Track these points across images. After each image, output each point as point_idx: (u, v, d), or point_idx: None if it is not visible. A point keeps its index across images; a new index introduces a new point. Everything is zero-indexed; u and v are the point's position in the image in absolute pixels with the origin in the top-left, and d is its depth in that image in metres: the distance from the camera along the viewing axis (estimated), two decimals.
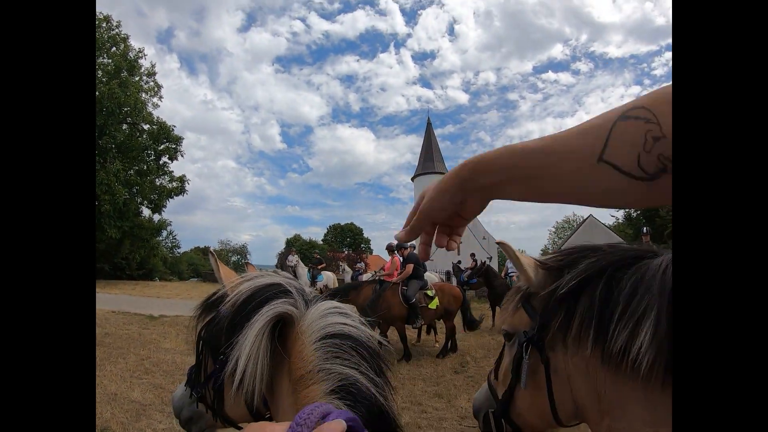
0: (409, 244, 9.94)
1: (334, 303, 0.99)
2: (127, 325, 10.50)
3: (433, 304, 8.60)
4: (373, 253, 59.18)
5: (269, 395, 0.96)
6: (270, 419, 1.02)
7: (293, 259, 16.89)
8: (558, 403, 1.02)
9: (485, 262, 15.35)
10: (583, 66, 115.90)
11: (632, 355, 0.85)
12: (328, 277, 17.59)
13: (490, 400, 1.24)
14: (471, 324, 9.21)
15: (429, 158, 51.46)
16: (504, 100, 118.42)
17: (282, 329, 0.92)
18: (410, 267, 8.90)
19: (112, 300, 15.55)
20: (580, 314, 0.96)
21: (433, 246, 0.82)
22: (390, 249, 10.59)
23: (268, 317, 0.89)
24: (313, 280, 16.35)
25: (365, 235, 74.36)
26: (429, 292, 8.73)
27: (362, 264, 18.16)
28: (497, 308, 12.61)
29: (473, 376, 6.88)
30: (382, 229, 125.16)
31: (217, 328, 1.09)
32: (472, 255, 17.29)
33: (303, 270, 16.79)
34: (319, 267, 17.55)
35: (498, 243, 1.16)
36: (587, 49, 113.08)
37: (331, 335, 0.89)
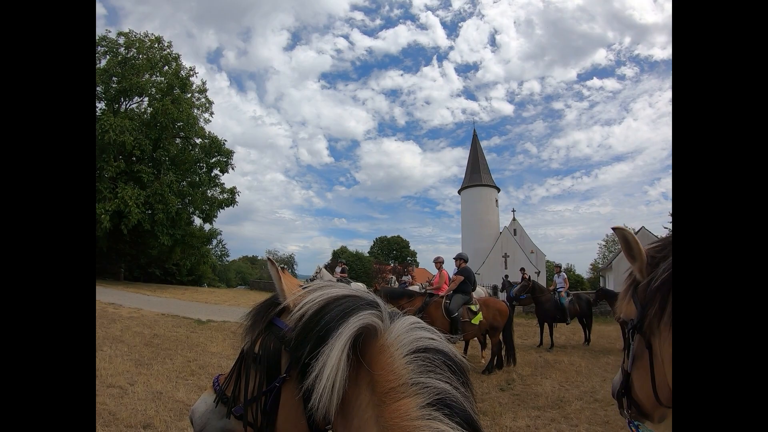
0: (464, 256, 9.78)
1: (417, 318, 0.97)
2: (175, 328, 10.74)
3: (477, 319, 8.34)
4: (419, 266, 58.82)
5: (339, 408, 0.91)
6: None
7: (339, 270, 16.65)
8: (658, 384, 1.09)
9: (530, 277, 14.94)
10: (628, 71, 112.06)
11: None
12: (358, 288, 16.62)
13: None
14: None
15: (476, 170, 50.82)
16: (549, 110, 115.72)
17: (361, 342, 0.90)
18: (458, 279, 8.72)
19: (162, 303, 16.03)
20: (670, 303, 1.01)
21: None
22: (438, 263, 10.46)
23: (356, 327, 0.88)
24: None
25: (411, 247, 73.98)
26: (473, 307, 8.49)
27: (409, 276, 17.90)
28: (545, 324, 12.23)
29: (519, 395, 6.61)
30: (429, 242, 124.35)
31: (275, 343, 1.03)
32: (522, 270, 16.82)
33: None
34: (341, 274, 16.63)
35: (614, 229, 1.19)
36: (631, 52, 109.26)
37: (423, 349, 0.87)
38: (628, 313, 1.24)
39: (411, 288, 13.92)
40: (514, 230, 48.14)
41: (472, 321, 8.30)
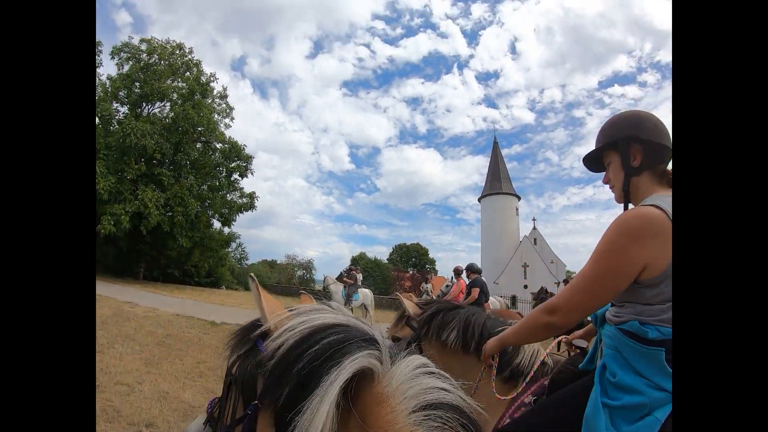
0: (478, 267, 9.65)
1: (423, 359, 0.82)
2: (188, 329, 10.76)
3: None
4: (438, 274, 58.53)
5: None
6: None
7: (359, 277, 16.23)
8: None
9: (545, 288, 14.69)
10: (649, 77, 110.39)
11: (450, 342, 2.27)
12: (364, 295, 15.49)
13: None
14: None
15: (496, 178, 50.47)
16: (570, 118, 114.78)
17: (357, 385, 0.76)
18: (476, 291, 8.55)
19: (178, 304, 16.14)
20: (433, 327, 2.41)
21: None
22: (457, 272, 10.29)
23: (351, 372, 0.73)
24: (348, 299, 14.84)
25: (431, 255, 73.52)
26: None
27: (429, 285, 17.76)
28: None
29: None
30: (449, 251, 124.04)
31: (256, 368, 0.91)
32: (542, 288, 16.49)
33: (338, 287, 15.54)
34: (345, 280, 15.86)
35: (397, 295, 1.92)
36: (652, 59, 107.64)
37: (436, 405, 0.72)
38: (404, 334, 2.59)
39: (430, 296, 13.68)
40: (534, 239, 47.64)
41: None
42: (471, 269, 9.51)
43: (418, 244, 71.70)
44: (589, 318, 1.80)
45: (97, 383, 5.59)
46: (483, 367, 2.05)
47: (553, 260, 47.43)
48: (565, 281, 13.47)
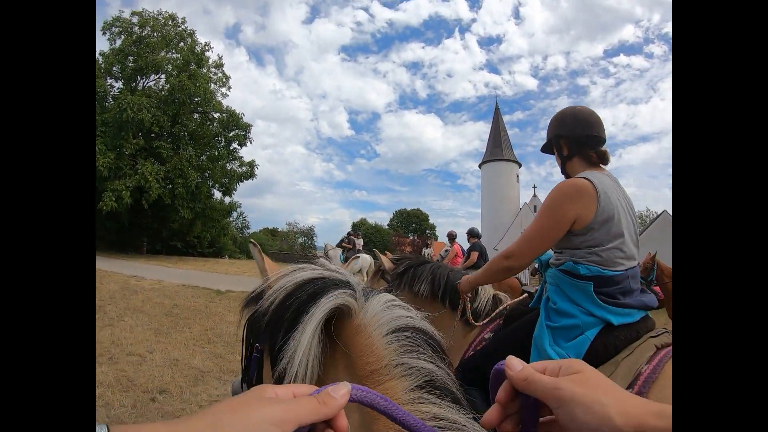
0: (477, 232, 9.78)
1: (392, 296, 0.94)
2: (195, 298, 11.02)
3: None
4: (438, 240, 58.87)
5: None
6: None
7: (358, 242, 16.47)
8: None
9: None
10: (656, 49, 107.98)
11: (421, 292, 2.61)
12: (364, 260, 15.20)
13: None
14: None
15: (497, 144, 49.75)
16: (574, 86, 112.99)
17: (337, 323, 0.87)
18: (475, 255, 8.66)
19: (183, 275, 16.39)
20: (405, 279, 2.73)
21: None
22: (450, 237, 10.42)
23: (328, 308, 0.83)
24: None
25: (431, 221, 73.74)
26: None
27: (430, 250, 17.88)
28: None
29: None
30: (449, 216, 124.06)
31: (257, 323, 1.02)
32: None
33: (336, 253, 15.94)
34: (344, 245, 15.94)
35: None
36: (660, 30, 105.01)
37: (404, 328, 0.84)
38: (379, 287, 2.50)
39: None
40: (534, 207, 47.54)
41: None
42: (471, 234, 9.63)
43: (418, 209, 72.16)
44: (535, 264, 2.21)
45: (109, 355, 5.84)
46: (459, 309, 2.48)
47: None
48: None
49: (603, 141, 2.15)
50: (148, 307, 9.31)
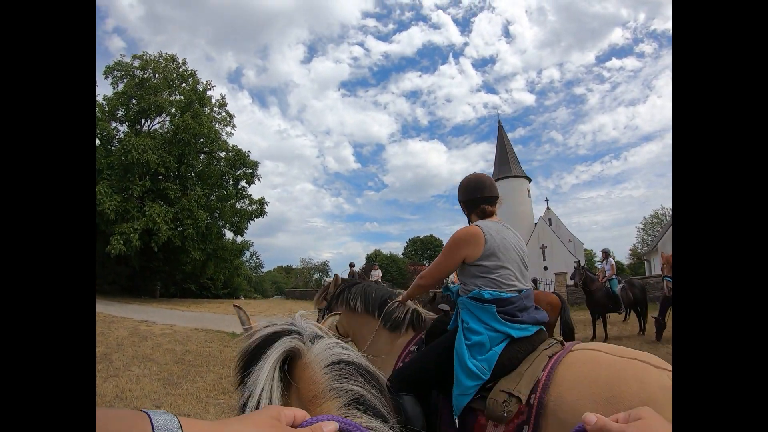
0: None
1: (334, 339, 1.11)
2: (208, 343, 10.31)
3: None
4: None
5: None
6: None
7: (375, 273, 16.86)
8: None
9: (580, 263, 14.07)
10: (647, 47, 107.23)
11: (355, 307, 3.32)
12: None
13: None
14: (568, 327, 8.01)
15: (504, 162, 49.22)
16: (571, 96, 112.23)
17: (291, 363, 1.01)
18: None
19: (196, 318, 15.76)
20: (341, 298, 3.47)
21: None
22: None
23: (282, 349, 0.99)
24: None
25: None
26: None
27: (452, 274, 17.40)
28: (597, 316, 11.30)
29: None
30: None
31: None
32: (577, 262, 15.76)
33: (378, 273, 17.04)
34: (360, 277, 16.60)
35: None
36: (647, 28, 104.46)
37: (338, 362, 1.00)
38: (321, 305, 3.69)
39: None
40: (549, 220, 46.78)
41: None
42: None
43: (431, 236, 70.89)
44: (447, 294, 2.87)
45: None
46: (378, 324, 3.14)
47: (570, 239, 46.54)
48: (606, 254, 12.69)
49: (491, 198, 2.71)
50: (157, 355, 8.60)
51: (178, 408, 5.27)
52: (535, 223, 46.65)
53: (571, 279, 12.81)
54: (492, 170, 51.91)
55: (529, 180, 49.91)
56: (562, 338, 7.65)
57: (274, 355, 0.98)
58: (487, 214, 2.68)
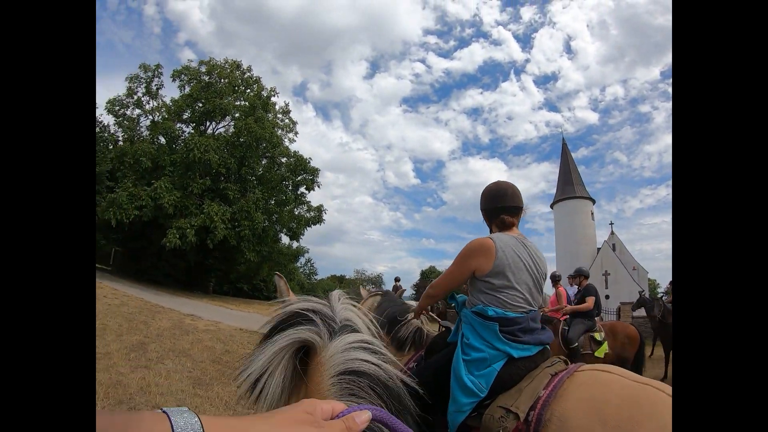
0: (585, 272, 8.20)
1: (360, 336, 1.00)
2: (250, 345, 9.88)
3: (601, 351, 6.60)
4: None
5: None
6: None
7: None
8: None
9: (643, 293, 12.85)
10: None
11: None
12: None
13: None
14: (641, 363, 7.09)
15: (568, 182, 46.91)
16: (636, 114, 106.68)
17: (308, 355, 0.96)
18: (591, 301, 7.02)
19: (243, 317, 15.63)
20: None
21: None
22: (554, 279, 8.83)
23: (290, 340, 0.95)
24: None
25: None
26: (597, 335, 6.74)
27: None
28: (671, 353, 10.08)
29: None
30: None
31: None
32: (641, 292, 14.53)
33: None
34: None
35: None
36: None
37: (349, 372, 0.90)
38: None
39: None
40: (613, 245, 44.13)
41: (596, 353, 6.57)
42: (581, 273, 8.03)
43: None
44: (452, 304, 2.75)
45: (132, 403, 4.73)
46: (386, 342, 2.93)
47: (635, 266, 43.72)
48: (668, 291, 11.56)
49: (512, 207, 2.59)
50: (195, 351, 8.26)
51: (204, 412, 4.78)
52: (599, 248, 44.14)
53: (648, 310, 11.65)
54: (555, 191, 49.93)
55: (593, 202, 47.41)
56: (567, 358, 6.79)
57: (282, 342, 0.96)
58: (507, 225, 2.60)
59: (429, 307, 2.99)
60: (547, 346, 2.38)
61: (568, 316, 7.02)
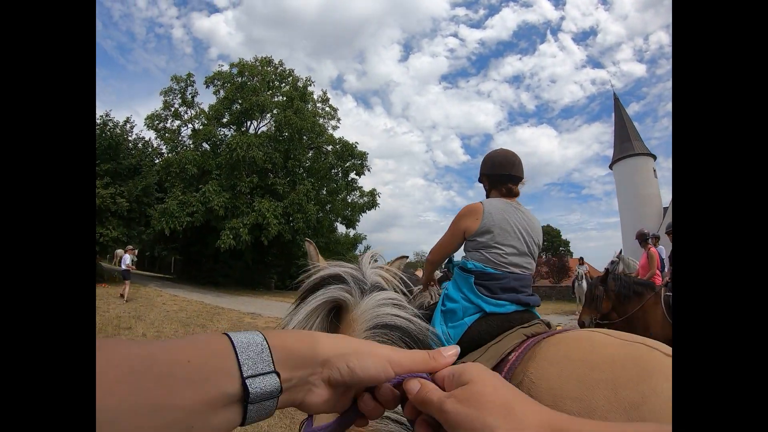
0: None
1: (390, 294, 1.02)
2: None
3: None
4: (573, 257, 52.94)
5: None
6: None
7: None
8: None
9: None
10: None
11: None
12: None
13: None
14: None
15: (625, 139, 43.74)
16: None
17: (339, 315, 0.98)
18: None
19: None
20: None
21: None
22: (642, 238, 8.13)
23: (324, 299, 0.97)
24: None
25: (563, 237, 68.12)
26: None
27: (585, 266, 16.26)
28: None
29: None
30: (578, 231, 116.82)
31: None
32: None
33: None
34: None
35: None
36: None
37: (382, 325, 0.92)
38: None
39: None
40: None
41: None
42: (653, 237, 7.63)
43: (548, 225, 66.41)
44: (446, 265, 2.91)
45: None
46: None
47: None
48: None
49: (515, 177, 2.65)
50: None
51: None
52: (665, 208, 41.15)
53: None
54: (611, 151, 47.26)
55: (654, 158, 44.37)
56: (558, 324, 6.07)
57: (314, 302, 0.98)
58: (513, 194, 2.66)
59: (436, 278, 3.13)
60: (532, 309, 2.41)
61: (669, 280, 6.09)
